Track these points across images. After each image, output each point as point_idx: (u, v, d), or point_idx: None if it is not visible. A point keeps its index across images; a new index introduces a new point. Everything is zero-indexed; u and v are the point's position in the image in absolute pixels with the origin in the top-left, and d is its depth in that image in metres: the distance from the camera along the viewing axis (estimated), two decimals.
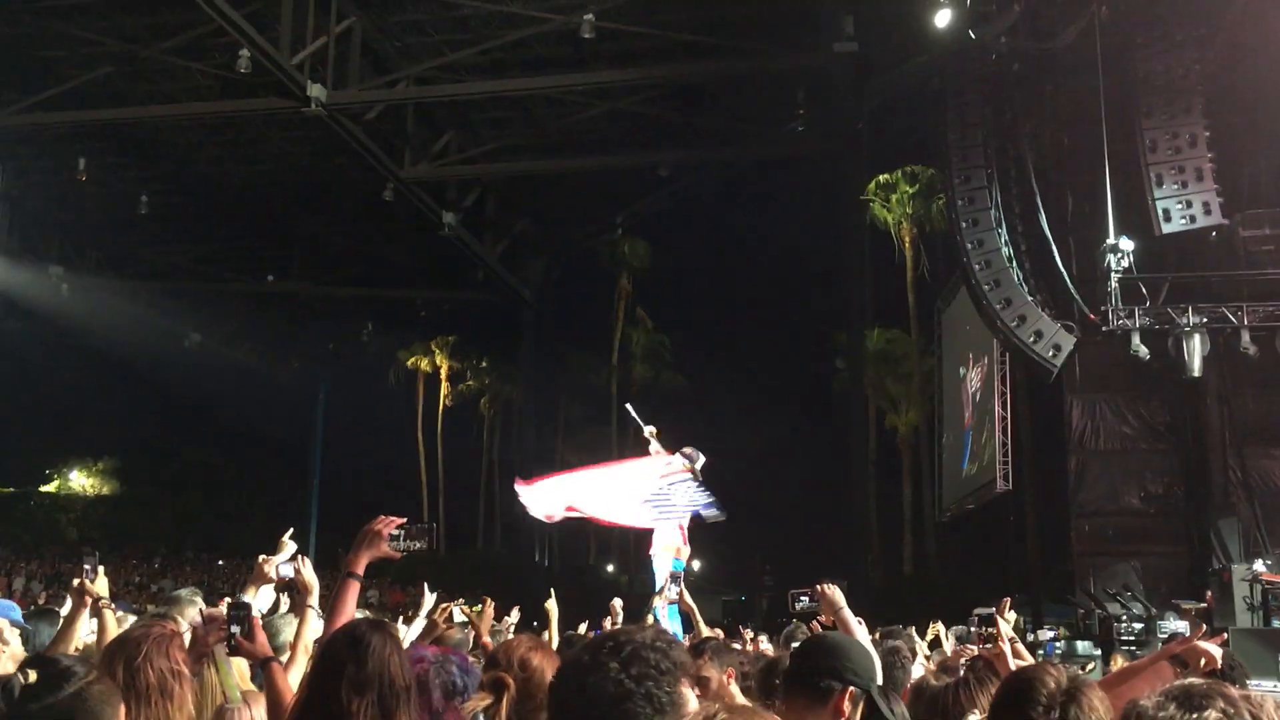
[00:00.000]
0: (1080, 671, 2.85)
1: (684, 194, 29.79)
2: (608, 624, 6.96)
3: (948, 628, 10.97)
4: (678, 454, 9.48)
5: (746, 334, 34.99)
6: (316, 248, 32.33)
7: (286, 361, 38.04)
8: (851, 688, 3.03)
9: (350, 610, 3.52)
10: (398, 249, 31.59)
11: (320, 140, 24.08)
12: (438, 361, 42.51)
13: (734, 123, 25.37)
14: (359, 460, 37.85)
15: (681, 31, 21.27)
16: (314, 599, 4.20)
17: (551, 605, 6.88)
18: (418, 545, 3.80)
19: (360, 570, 3.62)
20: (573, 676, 2.12)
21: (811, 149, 25.98)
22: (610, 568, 37.35)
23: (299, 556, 4.46)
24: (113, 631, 4.35)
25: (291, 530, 4.84)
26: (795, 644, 5.41)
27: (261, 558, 4.53)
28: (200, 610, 4.11)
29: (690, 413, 36.45)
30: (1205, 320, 16.03)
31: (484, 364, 42.52)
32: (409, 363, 42.30)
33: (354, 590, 3.58)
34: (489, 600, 6.89)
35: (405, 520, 3.72)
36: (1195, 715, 1.57)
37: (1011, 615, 4.82)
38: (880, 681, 3.23)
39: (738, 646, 7.21)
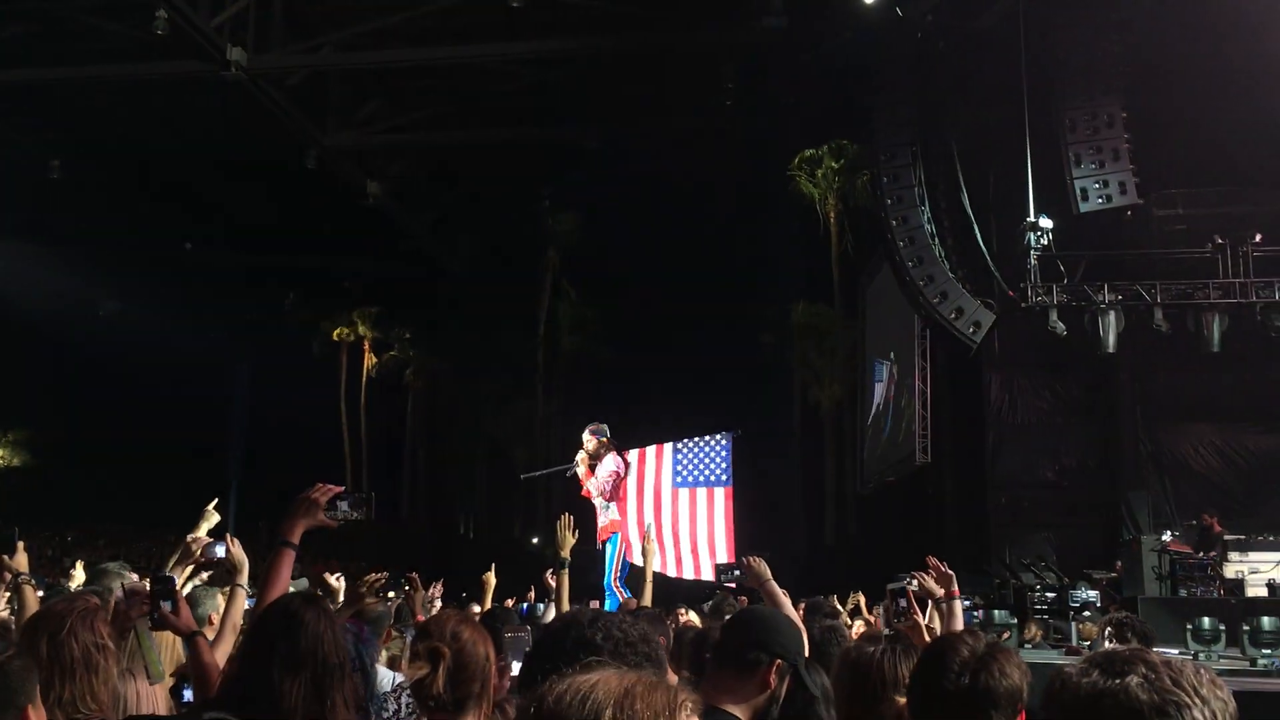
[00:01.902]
0: (996, 639, 2.93)
1: (613, 167, 29.71)
2: (553, 607, 6.98)
3: (868, 598, 11.20)
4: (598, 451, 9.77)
5: (675, 307, 35.03)
6: (237, 215, 31.71)
7: (205, 331, 37.32)
8: (779, 660, 3.09)
9: (285, 580, 3.49)
10: (321, 218, 31.12)
11: (241, 105, 23.58)
12: (361, 332, 42.01)
13: (662, 96, 25.34)
14: (280, 432, 37.33)
15: (611, 4, 21.18)
16: (244, 577, 4.16)
17: (490, 577, 6.93)
18: (355, 515, 3.75)
19: (295, 539, 3.57)
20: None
21: (739, 124, 26.06)
22: (535, 540, 37.36)
23: (228, 535, 4.40)
24: (32, 607, 4.27)
25: (216, 500, 4.78)
26: (725, 616, 5.49)
27: (190, 536, 4.47)
28: (122, 584, 4.04)
29: (619, 385, 36.52)
30: (1120, 298, 16.43)
31: (409, 335, 42.14)
32: (333, 334, 41.75)
33: (289, 559, 3.54)
34: (415, 576, 6.89)
35: (343, 489, 3.68)
36: (1118, 680, 1.62)
37: (950, 574, 4.92)
38: (807, 655, 3.29)
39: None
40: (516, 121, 26.60)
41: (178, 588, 3.65)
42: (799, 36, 20.68)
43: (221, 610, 4.51)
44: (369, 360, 42.41)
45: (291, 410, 37.06)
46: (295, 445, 36.40)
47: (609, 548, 9.53)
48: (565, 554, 6.29)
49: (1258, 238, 16.68)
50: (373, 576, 4.79)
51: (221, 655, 3.63)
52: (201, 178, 28.95)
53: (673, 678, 2.34)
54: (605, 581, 9.36)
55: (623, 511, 9.94)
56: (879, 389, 27.14)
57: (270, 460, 36.39)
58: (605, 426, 9.88)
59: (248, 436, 40.70)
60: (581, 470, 9.74)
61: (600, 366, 37.87)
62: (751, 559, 4.87)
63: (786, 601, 4.87)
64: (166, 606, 3.55)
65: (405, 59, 22.93)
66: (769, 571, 4.77)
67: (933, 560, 5.04)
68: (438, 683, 2.79)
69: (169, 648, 4.12)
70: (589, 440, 9.76)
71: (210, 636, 3.74)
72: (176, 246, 32.23)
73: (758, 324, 34.99)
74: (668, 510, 10.69)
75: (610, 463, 9.71)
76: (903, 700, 3.02)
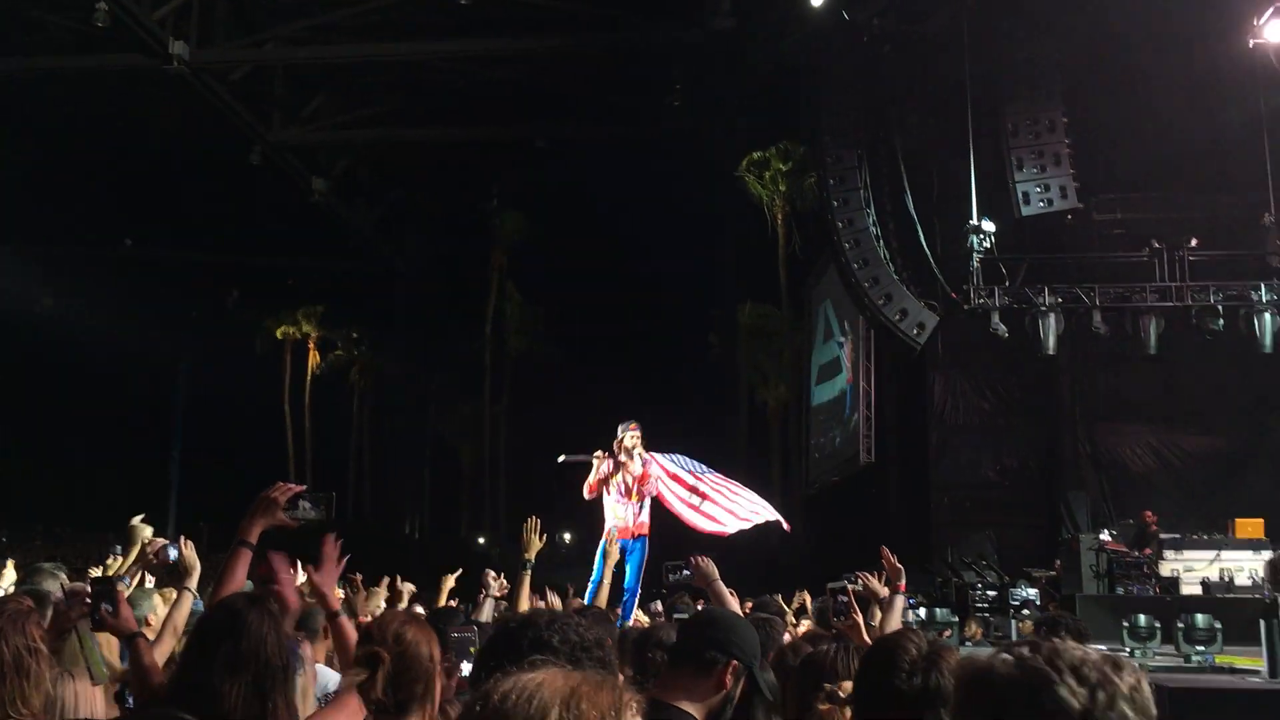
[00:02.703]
0: (937, 637, 2.98)
1: (561, 167, 29.67)
2: (487, 603, 6.93)
3: (813, 597, 11.27)
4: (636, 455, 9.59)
5: (623, 308, 35.08)
6: (179, 212, 31.25)
7: (146, 328, 36.71)
8: (735, 661, 3.12)
9: (239, 580, 3.46)
10: (265, 215, 30.76)
11: (184, 100, 23.24)
12: (306, 331, 41.55)
13: (611, 96, 25.35)
14: (222, 431, 36.81)
15: (560, 3, 21.15)
16: (193, 581, 4.11)
17: (450, 579, 6.89)
18: (315, 514, 3.71)
19: (253, 539, 3.54)
20: None
21: (687, 125, 26.13)
22: (481, 540, 37.19)
23: (182, 539, 4.35)
24: None
25: (142, 515, 4.70)
26: (675, 616, 5.51)
27: (145, 539, 4.42)
28: (62, 585, 3.98)
29: (566, 386, 36.47)
30: (1060, 301, 16.68)
31: (355, 334, 41.76)
32: (277, 332, 41.25)
33: (245, 559, 3.50)
34: (358, 578, 6.83)
35: (304, 488, 3.64)
36: (998, 657, 1.67)
37: (900, 569, 4.97)
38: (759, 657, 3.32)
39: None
40: (464, 120, 26.47)
41: (119, 589, 3.60)
42: (747, 38, 20.80)
43: (159, 612, 4.46)
44: (314, 359, 41.97)
45: (234, 409, 36.57)
46: (238, 445, 35.93)
47: (638, 549, 9.37)
48: (530, 556, 6.26)
49: (1193, 242, 17.01)
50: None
51: (161, 657, 3.58)
52: (143, 173, 28.49)
53: (620, 679, 2.36)
54: (630, 583, 9.20)
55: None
56: (824, 389, 27.25)
57: (212, 460, 35.89)
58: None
59: (189, 436, 40.08)
60: (607, 465, 9.52)
61: (548, 366, 37.81)
62: (700, 559, 4.89)
63: (734, 601, 4.90)
64: (107, 608, 3.51)
65: (351, 55, 22.75)
66: (716, 571, 4.80)
67: (885, 552, 5.09)
68: (376, 688, 2.77)
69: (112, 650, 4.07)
70: (632, 437, 9.55)
71: (150, 638, 3.70)
72: (117, 243, 31.66)
73: (705, 325, 35.10)
74: (685, 482, 10.32)
75: (648, 463, 9.56)
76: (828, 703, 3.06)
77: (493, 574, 7.21)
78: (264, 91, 23.72)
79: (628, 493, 9.50)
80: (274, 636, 2.75)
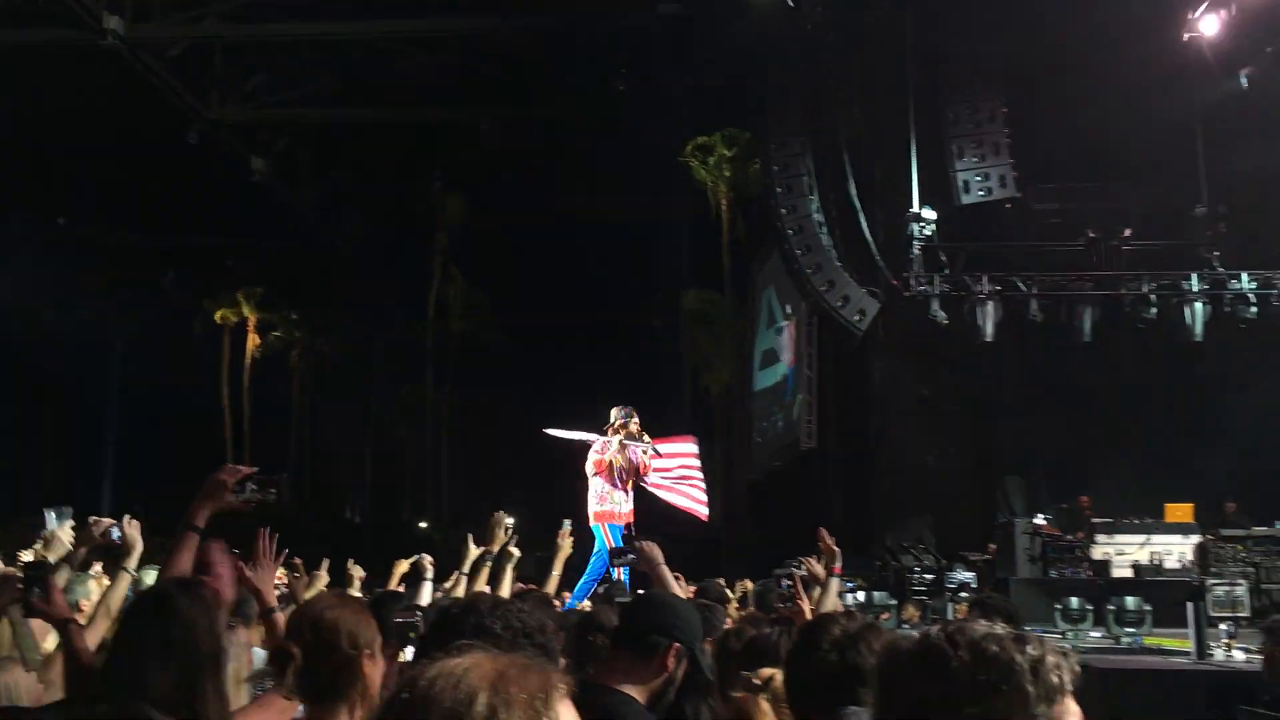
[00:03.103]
0: (874, 619, 3.04)
1: (505, 150, 29.49)
2: (425, 587, 6.89)
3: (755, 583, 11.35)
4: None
5: (567, 293, 35.02)
6: (114, 191, 30.62)
7: (79, 310, 35.99)
8: (677, 644, 3.14)
9: (185, 565, 3.39)
10: (203, 195, 30.24)
11: (119, 76, 22.74)
12: (245, 313, 40.99)
13: (555, 80, 25.23)
14: (158, 414, 36.23)
15: None
16: (132, 561, 4.04)
17: (403, 562, 6.85)
18: (266, 497, 3.63)
19: (201, 523, 3.46)
20: None
21: (633, 110, 26.08)
22: (423, 525, 36.99)
23: (125, 517, 4.27)
24: None
25: (53, 514, 4.60)
26: (615, 601, 5.52)
27: (91, 519, 4.34)
28: None
29: (509, 370, 36.35)
30: (998, 289, 16.91)
31: (294, 317, 41.26)
32: (215, 315, 40.65)
33: (191, 544, 3.43)
34: (299, 562, 6.78)
35: (255, 470, 3.57)
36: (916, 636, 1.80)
37: (836, 551, 5.03)
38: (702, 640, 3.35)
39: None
40: (407, 100, 26.20)
41: (52, 575, 3.54)
42: (693, 23, 20.79)
43: (94, 597, 4.39)
44: (253, 341, 41.44)
45: (170, 392, 36.02)
46: (174, 428, 35.41)
47: (608, 532, 9.35)
48: (494, 549, 6.21)
49: (1127, 232, 17.32)
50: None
51: (94, 640, 3.52)
52: (76, 151, 27.86)
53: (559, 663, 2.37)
54: (599, 569, 9.18)
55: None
56: (766, 375, 27.40)
57: (147, 444, 35.33)
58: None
59: (125, 420, 39.41)
60: (611, 448, 9.44)
61: (491, 351, 37.64)
62: (644, 543, 4.91)
63: (680, 586, 4.92)
64: (38, 593, 3.44)
65: (293, 33, 22.40)
66: (661, 555, 4.81)
67: (821, 534, 5.15)
68: (287, 683, 2.73)
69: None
70: (631, 421, 9.50)
71: (83, 623, 3.64)
72: (49, 222, 30.96)
73: (649, 309, 35.15)
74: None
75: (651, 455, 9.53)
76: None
77: (429, 559, 7.17)
78: (202, 69, 23.28)
79: (625, 479, 9.48)
80: (205, 623, 2.71)
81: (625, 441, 9.60)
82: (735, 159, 29.70)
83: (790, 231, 18.01)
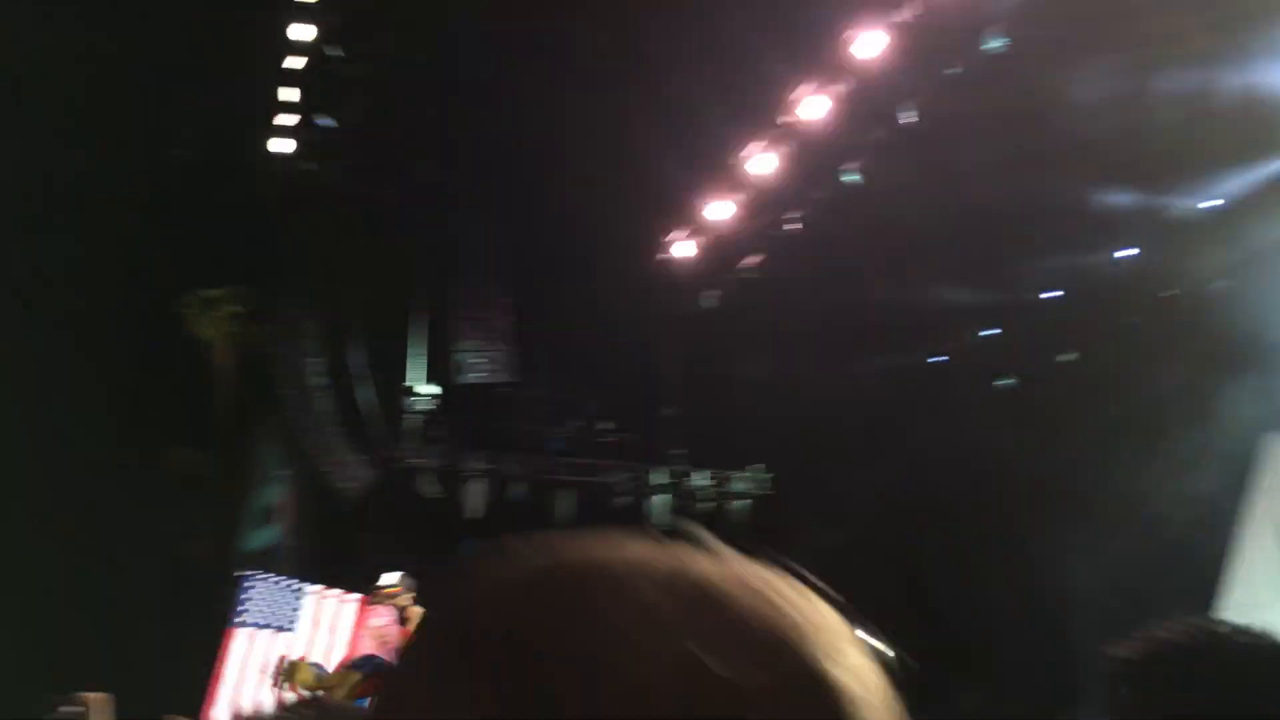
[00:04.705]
0: None
1: None
2: None
3: None
4: None
5: None
6: None
7: None
8: None
9: None
10: None
11: None
12: None
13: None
14: None
15: None
16: None
17: None
18: None
19: None
20: None
21: (138, 254, 24.59)
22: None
23: None
24: None
25: None
26: None
27: None
28: None
29: None
30: (488, 467, 17.53)
31: None
32: None
33: None
34: None
35: None
36: None
37: None
38: None
39: None
40: None
41: None
42: (210, 171, 20.17)
43: None
44: None
45: None
46: None
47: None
48: None
49: (607, 425, 18.73)
50: None
51: None
52: None
53: None
54: None
55: None
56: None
57: None
58: None
59: None
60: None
61: None
62: None
63: None
64: None
65: None
66: None
67: None
68: None
69: None
70: (405, 595, 7.94)
71: None
72: None
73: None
74: None
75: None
76: None
77: None
78: None
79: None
80: None
81: None
82: (241, 315, 28.73)
83: (289, 393, 17.71)
